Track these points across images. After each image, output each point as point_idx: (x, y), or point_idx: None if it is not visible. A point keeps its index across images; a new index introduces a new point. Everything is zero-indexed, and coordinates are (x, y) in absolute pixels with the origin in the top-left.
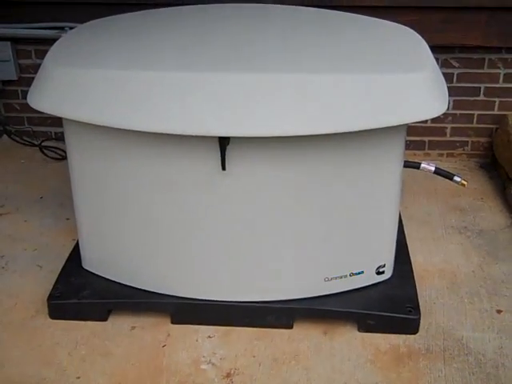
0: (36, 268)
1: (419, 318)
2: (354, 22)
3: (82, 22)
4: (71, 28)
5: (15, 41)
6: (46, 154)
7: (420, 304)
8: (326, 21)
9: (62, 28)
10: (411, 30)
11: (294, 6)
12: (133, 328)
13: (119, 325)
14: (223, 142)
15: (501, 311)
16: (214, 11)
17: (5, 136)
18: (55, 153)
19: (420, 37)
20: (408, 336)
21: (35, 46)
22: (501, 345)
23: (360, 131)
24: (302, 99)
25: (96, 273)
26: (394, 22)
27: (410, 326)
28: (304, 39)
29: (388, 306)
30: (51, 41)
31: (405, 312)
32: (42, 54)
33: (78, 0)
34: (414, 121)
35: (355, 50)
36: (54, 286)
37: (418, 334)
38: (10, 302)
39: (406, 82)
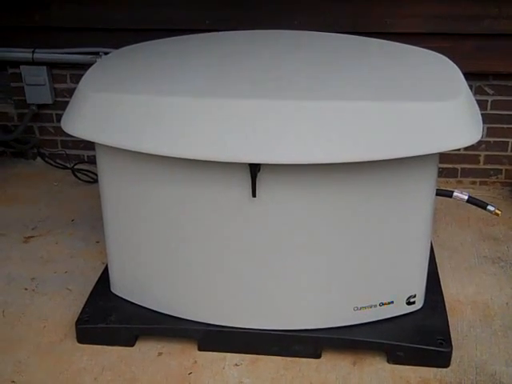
0: (65, 291)
1: (451, 351)
2: (386, 49)
3: (117, 47)
4: (106, 53)
5: (51, 65)
6: (78, 177)
7: (452, 336)
8: (358, 47)
9: (97, 53)
10: (444, 57)
11: (325, 33)
12: (160, 354)
13: (146, 350)
14: (254, 169)
15: None
16: (245, 38)
17: (38, 158)
18: (87, 176)
19: (453, 63)
20: (439, 369)
21: (70, 70)
22: None
23: (392, 159)
24: (334, 127)
25: (124, 297)
26: (426, 48)
27: (441, 358)
28: (336, 66)
29: (419, 337)
30: (86, 65)
31: (436, 344)
32: (76, 79)
33: (113, 26)
34: (448, 149)
35: (388, 76)
36: (82, 309)
37: (449, 368)
38: (39, 324)
39: (440, 109)
